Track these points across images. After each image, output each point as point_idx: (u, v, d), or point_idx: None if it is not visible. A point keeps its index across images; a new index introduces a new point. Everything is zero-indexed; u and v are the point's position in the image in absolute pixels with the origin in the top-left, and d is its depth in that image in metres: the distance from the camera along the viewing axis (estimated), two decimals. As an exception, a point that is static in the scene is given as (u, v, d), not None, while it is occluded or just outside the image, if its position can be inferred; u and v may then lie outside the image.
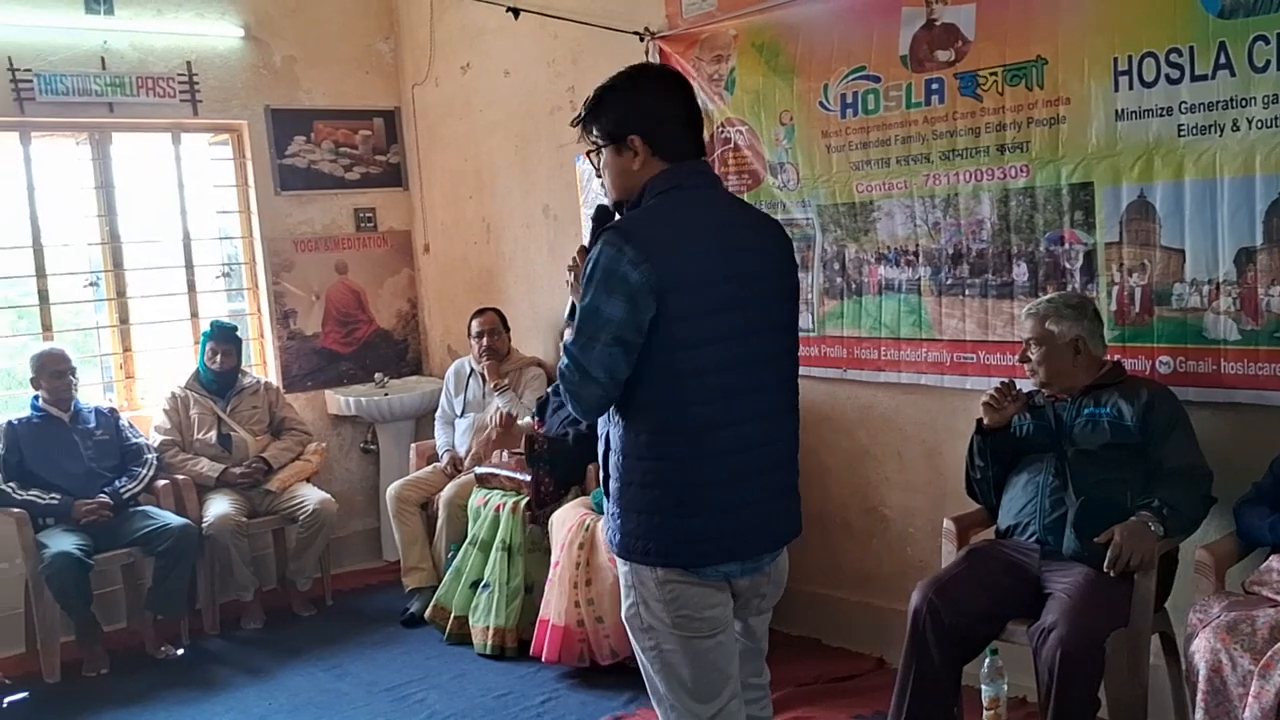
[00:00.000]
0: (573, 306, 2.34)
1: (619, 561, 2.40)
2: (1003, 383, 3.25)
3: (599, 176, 2.43)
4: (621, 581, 2.41)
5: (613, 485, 2.35)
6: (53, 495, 4.51)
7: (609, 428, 2.36)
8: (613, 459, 2.34)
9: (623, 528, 2.33)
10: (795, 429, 2.45)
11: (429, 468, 5.21)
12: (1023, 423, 3.24)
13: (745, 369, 2.30)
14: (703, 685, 2.33)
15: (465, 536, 4.59)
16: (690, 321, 2.23)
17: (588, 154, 2.43)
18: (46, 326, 5.12)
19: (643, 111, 2.33)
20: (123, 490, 4.65)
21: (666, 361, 2.23)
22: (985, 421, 3.23)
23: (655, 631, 2.33)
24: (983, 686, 3.09)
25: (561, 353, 2.29)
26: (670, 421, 2.26)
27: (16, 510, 4.46)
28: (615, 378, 2.23)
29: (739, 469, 2.30)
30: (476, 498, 4.62)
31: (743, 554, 2.34)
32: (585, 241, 2.41)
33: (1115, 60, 3.19)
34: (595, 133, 2.37)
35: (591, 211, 2.54)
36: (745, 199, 4.26)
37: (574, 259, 2.38)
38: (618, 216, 2.40)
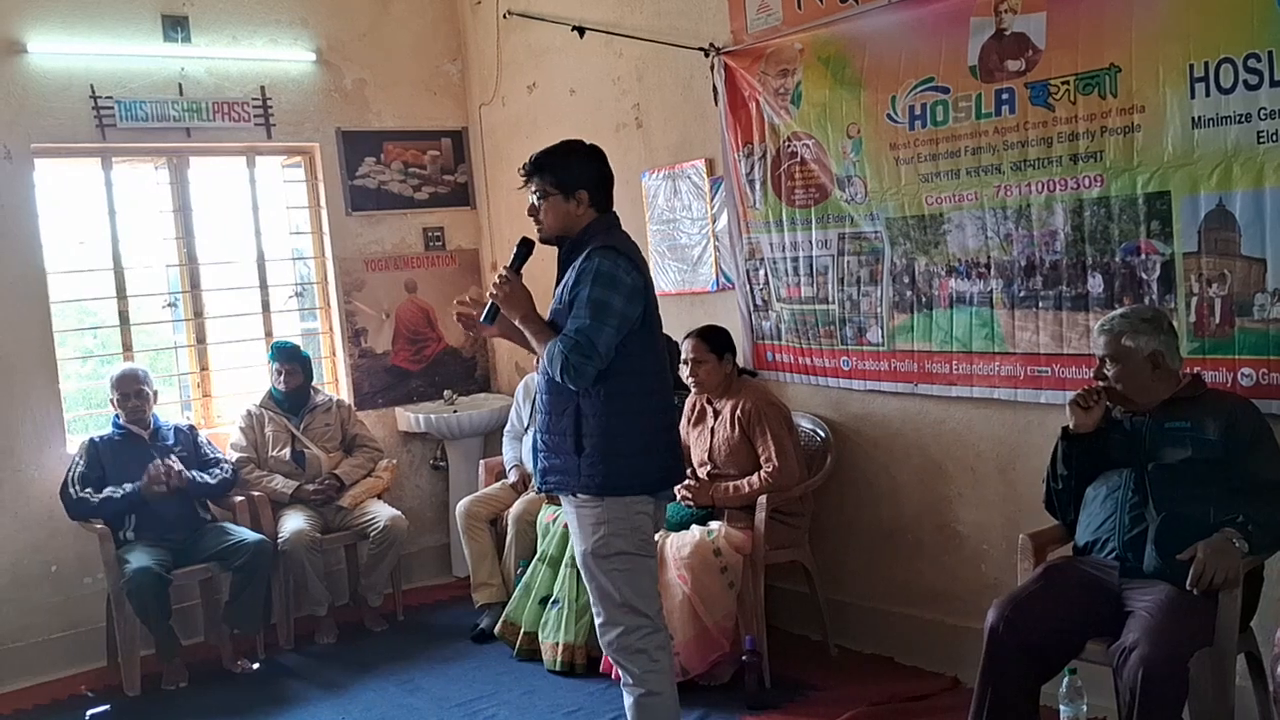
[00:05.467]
0: (492, 309, 3.14)
1: (588, 504, 3.07)
2: (1090, 386, 3.15)
3: (532, 215, 3.18)
4: (587, 521, 3.08)
5: (591, 442, 3.04)
6: (124, 485, 4.61)
7: (577, 402, 3.05)
8: (589, 423, 3.04)
9: (606, 471, 3.03)
10: None
11: (498, 484, 5.23)
12: (1102, 433, 3.16)
13: (663, 354, 3.23)
14: (650, 594, 3.14)
15: (534, 552, 4.61)
16: (651, 316, 3.12)
17: (533, 197, 3.15)
18: (127, 346, 5.25)
19: (589, 174, 3.14)
20: (196, 476, 4.75)
21: (638, 345, 3.06)
22: (1072, 425, 3.14)
23: (623, 555, 3.06)
24: (1061, 707, 3.04)
25: (571, 335, 2.97)
26: (639, 387, 3.08)
27: (99, 527, 4.57)
28: (608, 356, 2.99)
29: (669, 422, 3.24)
30: (545, 514, 4.63)
31: (674, 481, 3.29)
32: (507, 264, 3.16)
33: (1191, 67, 3.13)
34: (547, 183, 3.11)
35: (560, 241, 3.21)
36: (813, 212, 4.27)
37: (500, 276, 3.11)
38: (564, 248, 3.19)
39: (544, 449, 3.17)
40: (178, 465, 4.70)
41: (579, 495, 3.09)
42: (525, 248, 3.20)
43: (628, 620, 3.08)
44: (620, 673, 3.17)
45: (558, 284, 3.18)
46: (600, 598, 3.12)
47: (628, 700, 3.14)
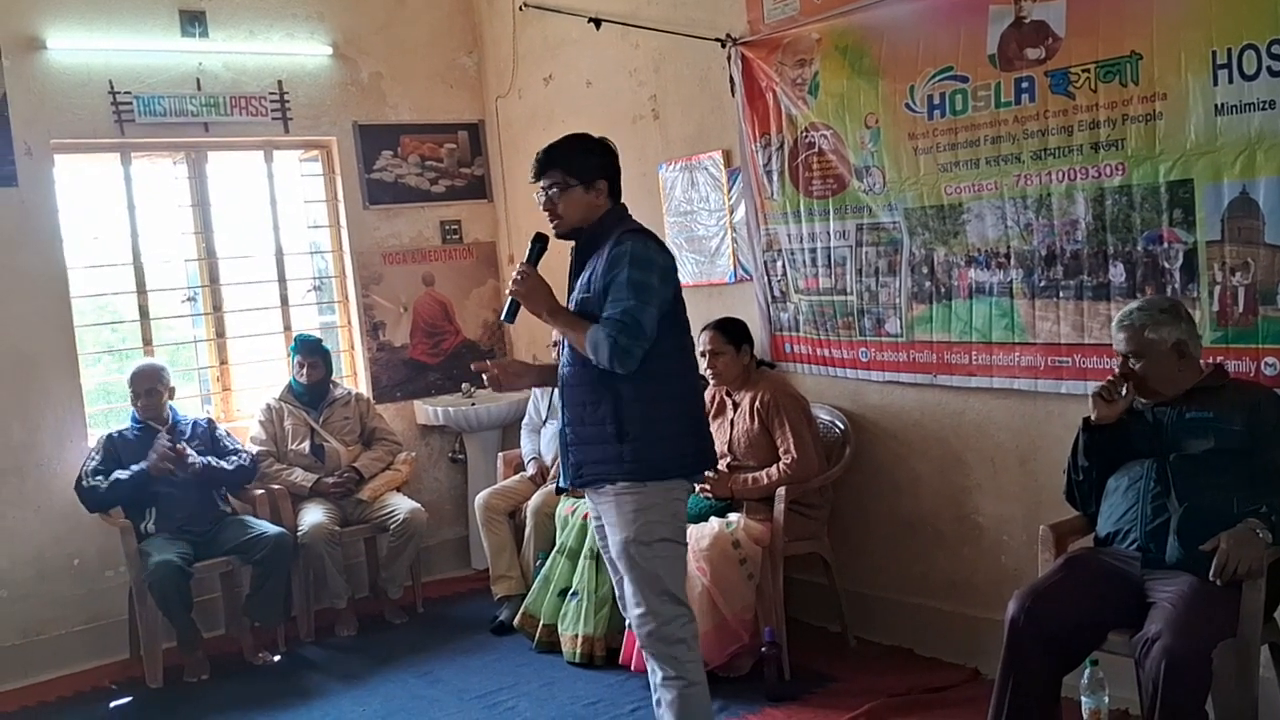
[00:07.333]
0: (512, 306, 3.13)
1: (630, 491, 3.01)
2: (1113, 378, 3.11)
3: (548, 209, 3.13)
4: (627, 509, 3.02)
5: (633, 427, 3.00)
6: (131, 467, 4.63)
7: (616, 388, 3.00)
8: (631, 408, 3.01)
9: (649, 455, 3.01)
10: None
11: (516, 477, 5.24)
12: (1124, 424, 3.13)
13: (690, 336, 3.23)
14: (684, 582, 3.14)
15: (553, 544, 4.62)
16: (679, 299, 3.11)
17: (548, 189, 3.10)
18: (146, 341, 5.27)
19: (606, 164, 3.15)
20: (210, 461, 4.76)
21: (670, 327, 3.04)
22: (1094, 416, 3.12)
23: (665, 542, 3.03)
24: (1083, 699, 3.02)
25: (616, 317, 2.92)
26: (673, 369, 3.08)
27: (121, 520, 4.60)
28: (652, 336, 2.96)
29: (700, 403, 3.24)
30: (564, 506, 4.64)
31: (708, 465, 3.25)
32: (524, 259, 3.15)
33: (1213, 53, 3.10)
34: (567, 174, 3.08)
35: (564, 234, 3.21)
36: (830, 203, 4.26)
37: (520, 270, 3.10)
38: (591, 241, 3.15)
39: (577, 441, 3.11)
40: (190, 452, 4.70)
41: (619, 483, 3.04)
42: (541, 242, 3.19)
43: (669, 609, 3.04)
44: (657, 666, 3.08)
45: (574, 276, 3.16)
46: (642, 587, 3.05)
47: (668, 695, 3.05)
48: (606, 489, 3.08)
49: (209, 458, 4.80)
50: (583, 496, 4.54)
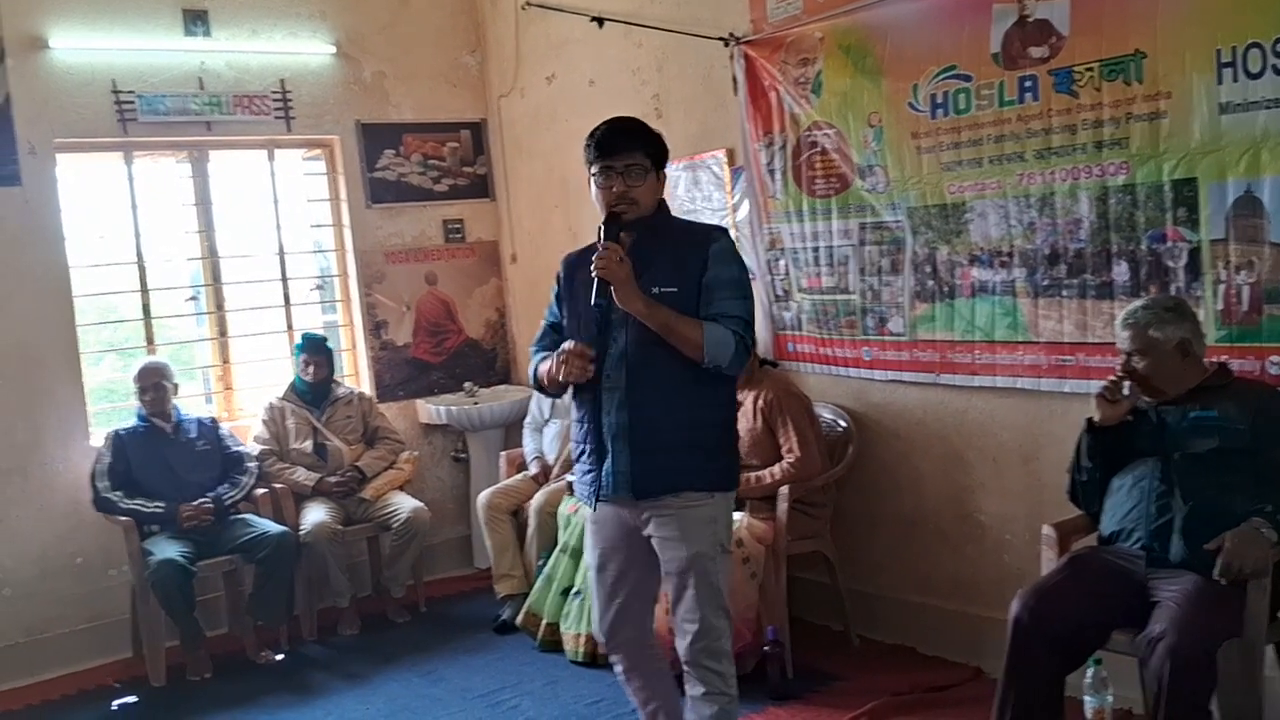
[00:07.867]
0: (602, 287, 2.76)
1: (699, 503, 2.84)
2: (1115, 378, 3.10)
3: (621, 192, 2.81)
4: (696, 520, 2.84)
5: (714, 434, 2.90)
6: (157, 504, 4.64)
7: (718, 390, 2.90)
8: (709, 414, 2.88)
9: (725, 467, 2.94)
10: None
11: (519, 476, 5.24)
12: (1127, 424, 3.13)
13: None
14: None
15: (556, 544, 4.62)
16: None
17: (626, 170, 2.82)
18: (149, 340, 5.27)
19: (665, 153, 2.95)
20: (225, 497, 4.77)
21: None
22: (1098, 417, 3.12)
23: (726, 554, 2.94)
24: (1086, 698, 3.03)
25: (741, 316, 2.81)
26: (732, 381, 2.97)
27: (124, 519, 4.60)
28: None
29: None
30: (566, 505, 4.64)
31: None
32: (604, 240, 2.81)
33: (1218, 52, 3.10)
34: (652, 157, 2.88)
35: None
36: (833, 202, 4.26)
37: (609, 247, 2.75)
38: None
39: (653, 448, 2.81)
40: (209, 503, 4.71)
41: (685, 493, 2.83)
42: (617, 223, 2.82)
43: (722, 623, 2.90)
44: (697, 680, 2.91)
45: (643, 267, 2.81)
46: (702, 603, 2.85)
47: (708, 710, 2.89)
48: (668, 500, 2.84)
49: (226, 489, 4.81)
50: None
